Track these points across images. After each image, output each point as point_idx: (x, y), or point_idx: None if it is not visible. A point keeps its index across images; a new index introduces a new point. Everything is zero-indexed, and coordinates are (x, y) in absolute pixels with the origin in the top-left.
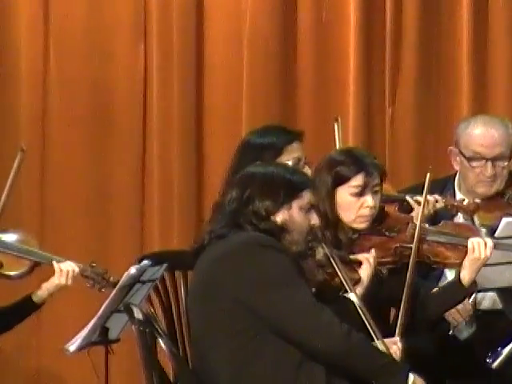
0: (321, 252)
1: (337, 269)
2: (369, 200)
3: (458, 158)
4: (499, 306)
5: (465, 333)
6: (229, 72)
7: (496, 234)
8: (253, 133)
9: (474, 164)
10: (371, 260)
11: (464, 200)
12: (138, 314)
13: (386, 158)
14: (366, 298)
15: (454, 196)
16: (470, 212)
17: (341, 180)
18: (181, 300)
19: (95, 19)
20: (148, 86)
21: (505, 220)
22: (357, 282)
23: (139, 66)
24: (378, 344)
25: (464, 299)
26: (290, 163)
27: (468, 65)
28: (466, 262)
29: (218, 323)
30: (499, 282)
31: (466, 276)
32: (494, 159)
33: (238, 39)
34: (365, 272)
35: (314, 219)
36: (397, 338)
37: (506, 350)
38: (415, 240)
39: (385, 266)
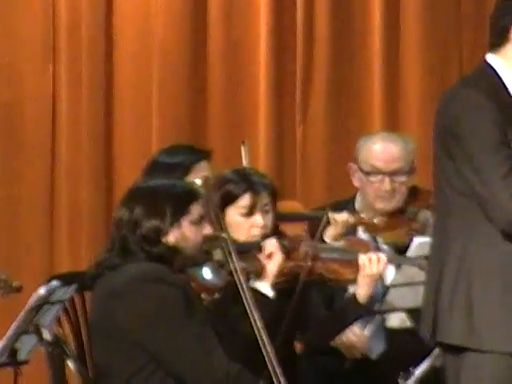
0: (219, 252)
1: (230, 263)
2: (258, 220)
3: (357, 174)
4: (407, 324)
5: (376, 350)
6: (138, 93)
7: (408, 255)
8: (161, 152)
9: (372, 179)
10: (274, 247)
11: (373, 217)
12: (46, 336)
13: (296, 177)
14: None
15: None
16: (380, 229)
17: (229, 199)
18: (89, 322)
19: (3, 39)
20: (57, 107)
21: (416, 240)
22: (260, 271)
23: (47, 87)
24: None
25: (361, 316)
26: (198, 182)
27: (378, 83)
28: (359, 279)
29: (117, 362)
30: (405, 303)
31: (360, 293)
32: (391, 174)
33: (147, 60)
34: (270, 261)
35: (207, 229)
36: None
37: (418, 371)
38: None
39: (280, 286)
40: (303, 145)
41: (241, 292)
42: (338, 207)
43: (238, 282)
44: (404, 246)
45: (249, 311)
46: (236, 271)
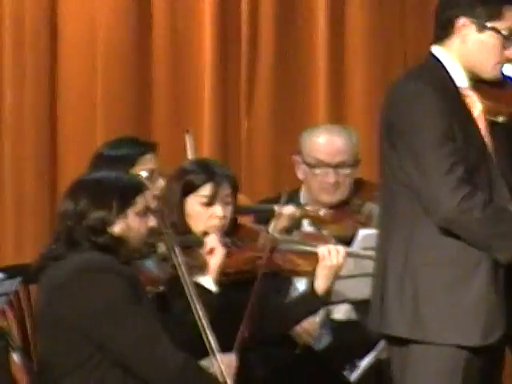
0: (163, 245)
1: (173, 257)
2: (218, 210)
3: (301, 167)
4: (353, 316)
5: (322, 342)
6: (82, 85)
7: (353, 247)
8: (106, 145)
9: (317, 171)
10: (216, 242)
11: (320, 210)
12: None
13: (241, 170)
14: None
15: None
16: (326, 222)
17: (190, 189)
18: (35, 314)
19: None
20: (0, 101)
21: (361, 233)
22: (203, 266)
23: None
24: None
25: (319, 308)
26: (143, 174)
27: (324, 76)
28: (319, 270)
29: (64, 353)
30: (353, 295)
31: (319, 285)
32: (336, 166)
33: (91, 52)
34: (213, 257)
35: (151, 221)
36: (232, 356)
37: (363, 363)
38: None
39: (239, 277)
40: (248, 136)
41: (184, 286)
42: (284, 199)
43: (180, 276)
44: (349, 238)
45: (192, 304)
46: (179, 265)
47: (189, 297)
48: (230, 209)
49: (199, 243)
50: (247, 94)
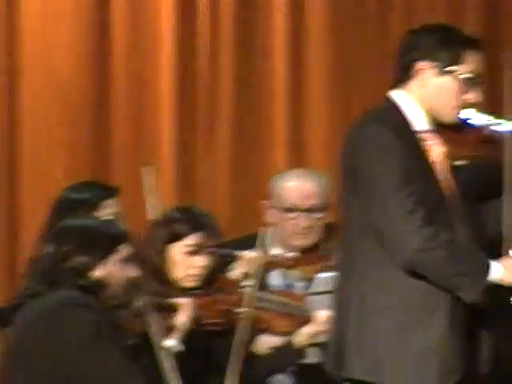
0: (137, 301)
1: (147, 317)
2: (200, 260)
3: (271, 212)
4: (317, 359)
5: None
6: (42, 126)
7: (309, 290)
8: (68, 188)
9: (289, 215)
10: (188, 306)
11: (283, 255)
12: None
13: None
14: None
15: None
16: (288, 267)
17: (175, 237)
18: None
19: None
20: None
21: (318, 275)
22: (172, 328)
23: None
24: None
25: (294, 363)
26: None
27: (283, 116)
28: (306, 330)
29: None
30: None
31: (300, 342)
32: (308, 210)
33: (50, 96)
34: (181, 318)
35: (132, 271)
36: None
37: None
38: (245, 303)
39: (211, 327)
40: (207, 176)
41: (153, 342)
42: (246, 243)
43: (151, 333)
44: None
45: (160, 360)
46: (150, 322)
47: (157, 352)
48: (211, 259)
49: (172, 307)
50: (206, 134)
